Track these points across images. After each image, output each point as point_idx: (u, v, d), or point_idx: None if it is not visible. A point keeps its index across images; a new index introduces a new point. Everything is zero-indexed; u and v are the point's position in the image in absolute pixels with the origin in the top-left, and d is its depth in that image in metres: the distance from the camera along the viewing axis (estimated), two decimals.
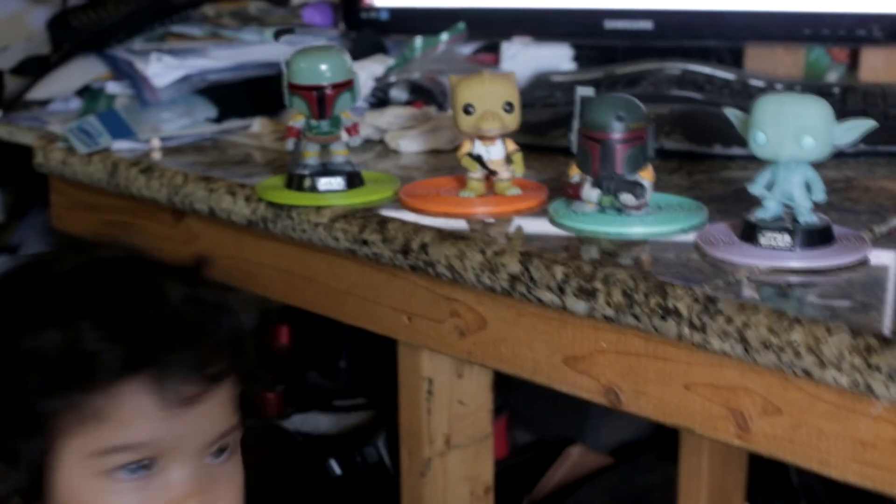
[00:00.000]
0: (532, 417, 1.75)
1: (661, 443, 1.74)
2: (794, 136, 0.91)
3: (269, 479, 1.47)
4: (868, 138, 1.22)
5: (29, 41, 1.74)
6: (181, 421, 0.90)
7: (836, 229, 0.95)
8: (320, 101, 1.11)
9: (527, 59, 1.54)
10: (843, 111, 1.11)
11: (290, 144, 1.14)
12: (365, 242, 1.08)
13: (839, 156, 1.21)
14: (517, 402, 1.70)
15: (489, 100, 1.07)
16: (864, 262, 0.93)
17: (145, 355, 0.89)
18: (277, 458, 1.51)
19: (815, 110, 0.91)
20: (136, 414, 0.89)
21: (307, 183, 1.13)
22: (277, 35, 1.23)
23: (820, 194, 0.93)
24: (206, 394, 0.92)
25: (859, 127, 0.93)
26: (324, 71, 1.11)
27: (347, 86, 1.12)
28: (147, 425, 0.90)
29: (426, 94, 1.43)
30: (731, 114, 0.96)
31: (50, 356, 0.89)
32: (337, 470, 1.50)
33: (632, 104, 1.01)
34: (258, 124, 1.42)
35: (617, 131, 1.00)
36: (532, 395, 1.70)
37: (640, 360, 0.94)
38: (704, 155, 1.24)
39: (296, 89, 1.11)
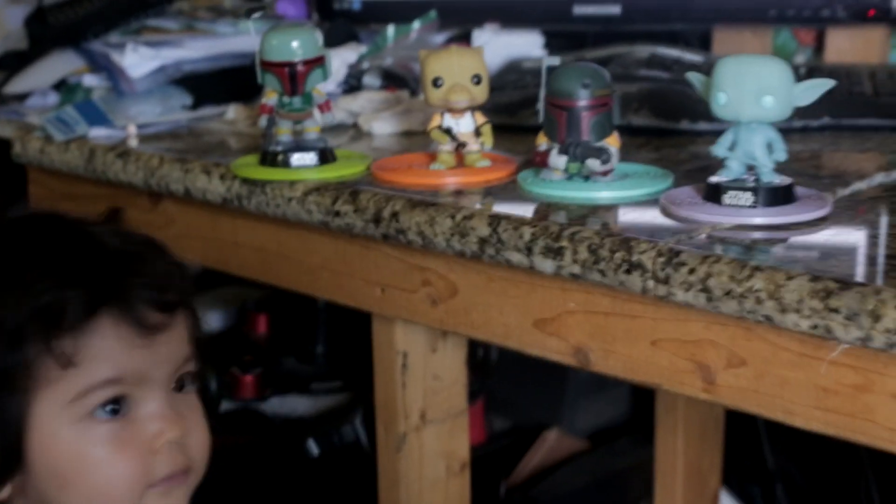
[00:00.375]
0: (509, 402, 1.77)
1: (637, 427, 1.76)
2: (754, 95, 0.93)
3: (247, 461, 1.48)
4: (833, 113, 1.25)
5: (6, 39, 1.75)
6: (149, 350, 0.93)
7: (799, 189, 0.97)
8: (292, 78, 1.13)
9: (498, 46, 1.56)
10: None
11: (263, 122, 1.16)
12: (337, 214, 1.09)
13: (805, 130, 1.24)
14: (494, 388, 1.71)
15: (457, 72, 1.09)
16: (825, 219, 0.94)
17: (106, 292, 0.91)
18: (255, 441, 1.52)
19: (775, 70, 0.93)
20: (107, 350, 0.91)
21: (280, 159, 1.15)
22: (248, 13, 1.25)
23: (781, 154, 0.95)
24: (170, 321, 0.94)
25: (818, 86, 0.94)
26: (295, 48, 1.13)
27: (318, 62, 1.14)
28: (119, 358, 0.91)
29: (399, 81, 1.44)
30: (694, 77, 0.98)
31: (9, 315, 0.90)
32: (314, 450, 1.51)
33: (597, 72, 1.03)
34: (233, 111, 1.43)
35: (583, 98, 1.02)
36: (509, 380, 1.71)
37: (607, 318, 0.96)
38: (672, 131, 1.26)
39: (268, 66, 1.13)
